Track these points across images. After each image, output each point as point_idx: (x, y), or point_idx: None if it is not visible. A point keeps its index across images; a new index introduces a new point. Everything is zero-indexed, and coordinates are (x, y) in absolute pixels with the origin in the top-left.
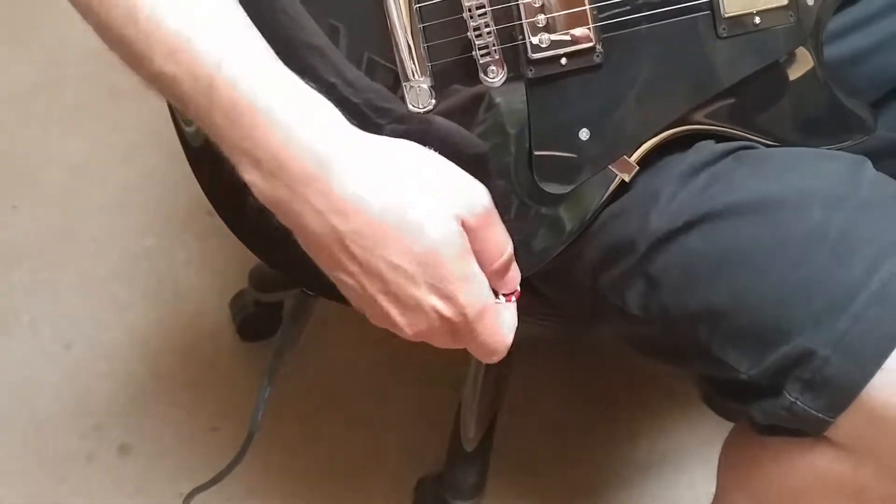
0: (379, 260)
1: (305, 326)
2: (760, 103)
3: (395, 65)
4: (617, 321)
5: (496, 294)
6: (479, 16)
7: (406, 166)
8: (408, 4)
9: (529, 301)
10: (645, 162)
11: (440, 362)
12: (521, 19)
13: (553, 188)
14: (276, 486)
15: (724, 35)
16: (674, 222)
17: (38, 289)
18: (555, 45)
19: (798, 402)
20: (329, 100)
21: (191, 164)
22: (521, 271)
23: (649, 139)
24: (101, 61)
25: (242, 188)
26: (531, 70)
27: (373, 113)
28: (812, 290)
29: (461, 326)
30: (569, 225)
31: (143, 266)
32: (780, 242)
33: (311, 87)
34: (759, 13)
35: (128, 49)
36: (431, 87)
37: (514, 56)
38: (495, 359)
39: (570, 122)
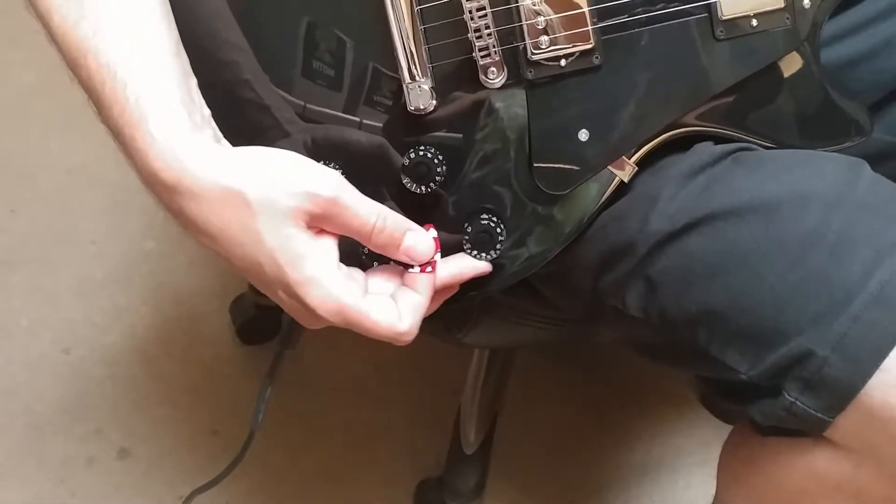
0: (241, 267)
1: (306, 329)
2: (758, 105)
3: (394, 69)
4: (616, 323)
5: (408, 267)
6: (480, 17)
7: (242, 177)
8: (409, 6)
9: (528, 303)
10: (644, 163)
11: (440, 366)
12: (520, 21)
13: (552, 188)
14: (274, 488)
15: (722, 37)
16: (673, 224)
17: (37, 293)
18: (554, 46)
19: (797, 403)
20: (244, 96)
21: None
22: (519, 274)
23: (648, 140)
24: None
25: None
26: (531, 71)
27: (280, 117)
28: (811, 291)
29: (330, 323)
30: (567, 227)
31: (142, 269)
32: (779, 244)
33: (229, 80)
34: (756, 16)
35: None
36: (432, 87)
37: (514, 57)
38: (400, 344)
39: (569, 123)
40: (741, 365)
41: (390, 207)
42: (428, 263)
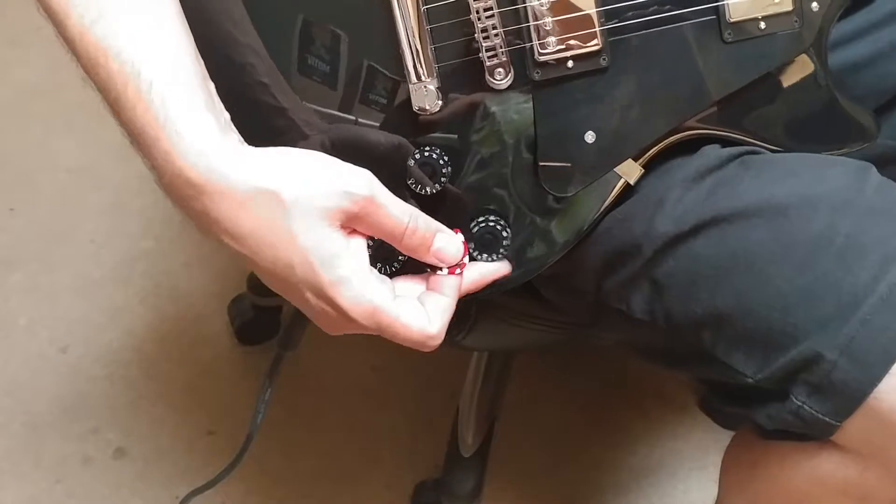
0: (268, 269)
1: (306, 330)
2: (765, 109)
3: (391, 71)
4: (620, 326)
5: (436, 269)
6: (487, 18)
7: (276, 178)
8: (415, 6)
9: (528, 305)
10: (650, 165)
11: (439, 367)
12: (528, 22)
13: (558, 190)
14: (272, 489)
15: (730, 40)
16: (680, 226)
17: (35, 291)
18: (562, 48)
19: (805, 407)
20: (260, 99)
21: None
22: (522, 276)
23: (654, 143)
24: None
25: None
26: (538, 73)
27: (300, 122)
28: (819, 295)
29: (359, 326)
30: (566, 236)
31: (140, 269)
32: (787, 247)
33: (245, 82)
34: (764, 18)
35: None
36: (438, 88)
37: (521, 59)
38: (426, 349)
39: (575, 124)
40: (748, 368)
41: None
42: (456, 265)
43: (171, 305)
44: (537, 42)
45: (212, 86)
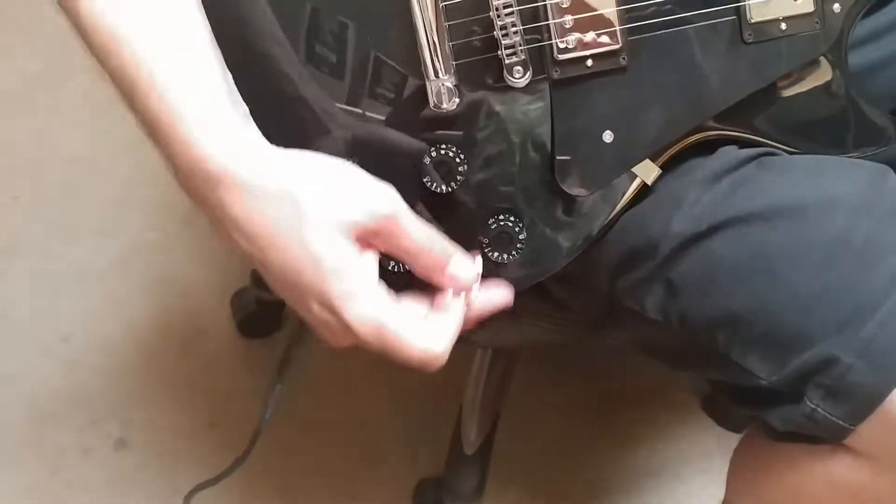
0: (276, 271)
1: None
2: (783, 110)
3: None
4: (633, 326)
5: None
6: (507, 15)
7: (298, 180)
8: (434, 2)
9: (537, 304)
10: (667, 166)
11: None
12: (548, 20)
13: (575, 190)
14: (274, 485)
15: (750, 41)
16: (697, 227)
17: (37, 281)
18: (581, 46)
19: (819, 409)
20: (286, 91)
21: None
22: (534, 278)
23: (672, 143)
24: None
25: None
26: (556, 71)
27: (322, 115)
28: (836, 297)
29: (361, 342)
30: (579, 235)
31: (143, 260)
32: (804, 249)
33: (267, 73)
34: (785, 19)
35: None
36: (455, 85)
37: (540, 56)
38: (429, 370)
39: (593, 123)
40: (762, 370)
41: (419, 211)
42: (464, 290)
43: (174, 298)
44: (557, 40)
45: (230, 76)
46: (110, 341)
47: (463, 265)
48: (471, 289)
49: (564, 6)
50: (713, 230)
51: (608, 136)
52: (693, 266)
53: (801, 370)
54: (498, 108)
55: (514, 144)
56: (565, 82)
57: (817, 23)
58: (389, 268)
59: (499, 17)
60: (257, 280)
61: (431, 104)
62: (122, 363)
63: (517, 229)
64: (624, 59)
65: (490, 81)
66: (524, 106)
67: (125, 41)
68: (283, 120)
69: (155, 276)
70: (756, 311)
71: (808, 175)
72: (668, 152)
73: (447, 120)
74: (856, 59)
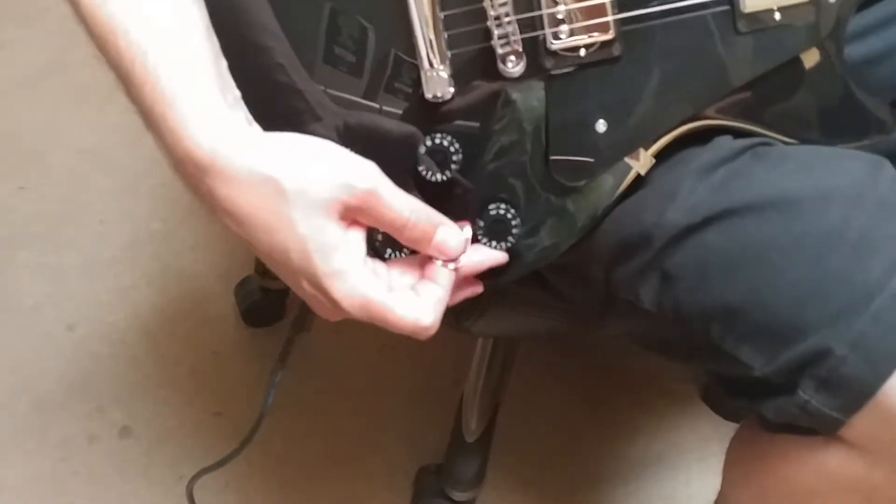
0: (266, 253)
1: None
2: (778, 100)
3: (414, 56)
4: (629, 317)
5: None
6: (500, 5)
7: (279, 164)
8: None
9: (538, 294)
10: (661, 156)
11: (443, 353)
12: (541, 10)
13: (568, 180)
14: (275, 472)
15: (744, 31)
16: (691, 218)
17: (43, 270)
18: (574, 36)
19: (812, 401)
20: (278, 80)
21: None
22: (532, 265)
23: (666, 133)
24: None
25: None
26: (550, 61)
27: (315, 104)
28: (830, 289)
29: (352, 316)
30: (580, 219)
31: (148, 250)
32: (799, 240)
33: (263, 64)
34: (779, 9)
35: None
36: (451, 75)
37: (534, 47)
38: (422, 338)
39: (587, 113)
40: (755, 361)
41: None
42: (454, 259)
43: (179, 287)
44: (550, 30)
45: (224, 63)
46: (115, 330)
47: (449, 234)
48: (459, 259)
49: None
50: (707, 221)
51: (602, 126)
52: (687, 257)
53: (794, 362)
54: (515, 96)
55: (526, 133)
56: (559, 73)
57: (812, 13)
58: (386, 255)
59: (492, 7)
60: (261, 269)
61: (427, 95)
62: (126, 352)
63: (508, 216)
64: (617, 49)
65: (485, 72)
66: (538, 92)
67: (121, 30)
68: (277, 108)
69: (159, 265)
70: (750, 302)
71: (803, 167)
72: (661, 142)
73: (464, 111)
74: (859, 49)
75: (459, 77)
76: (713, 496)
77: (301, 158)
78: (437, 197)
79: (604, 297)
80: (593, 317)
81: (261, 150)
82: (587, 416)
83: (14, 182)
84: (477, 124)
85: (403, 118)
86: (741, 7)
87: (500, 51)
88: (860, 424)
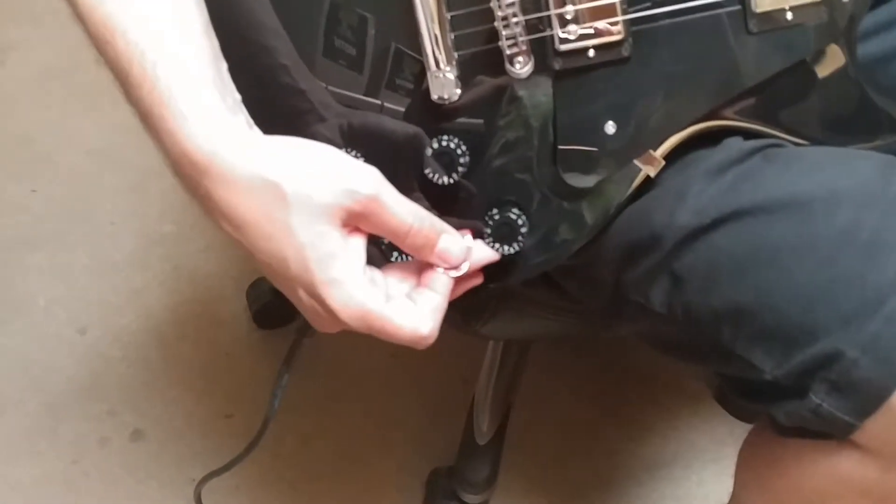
0: (263, 260)
1: None
2: (790, 100)
3: (420, 55)
4: (639, 318)
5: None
6: (508, 6)
7: (280, 169)
8: None
9: (547, 296)
10: (671, 157)
11: (455, 355)
12: (549, 10)
13: (577, 181)
14: (286, 474)
15: (755, 31)
16: (701, 219)
17: (54, 272)
18: (583, 37)
19: (824, 405)
20: (281, 81)
21: None
22: (541, 266)
23: (676, 134)
24: None
25: None
26: (558, 62)
27: (318, 105)
28: (842, 291)
29: (350, 327)
30: (590, 219)
31: (160, 252)
32: (810, 242)
33: (266, 64)
34: (791, 9)
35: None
36: (457, 76)
37: (542, 47)
38: (420, 347)
39: (596, 114)
40: (766, 364)
41: (417, 198)
42: (454, 266)
43: (190, 289)
44: (558, 31)
45: (224, 64)
46: (127, 332)
47: (452, 242)
48: (460, 266)
49: None
50: (718, 223)
51: (611, 128)
52: (697, 259)
53: (805, 365)
54: (521, 92)
55: (532, 129)
56: (567, 73)
57: (825, 12)
58: (392, 258)
59: (500, 7)
60: None
61: (433, 97)
62: (138, 354)
63: (516, 218)
64: (626, 49)
65: (492, 72)
66: (545, 89)
67: (119, 31)
68: (281, 109)
69: (171, 267)
70: (761, 304)
71: (814, 168)
72: (671, 142)
73: (469, 109)
74: (872, 47)
75: (466, 78)
76: (726, 497)
77: (303, 163)
78: (443, 199)
79: (613, 298)
80: (603, 318)
81: (261, 153)
82: (598, 416)
83: (25, 184)
84: (481, 121)
85: (406, 116)
86: (753, 7)
87: (507, 52)
88: (873, 428)
